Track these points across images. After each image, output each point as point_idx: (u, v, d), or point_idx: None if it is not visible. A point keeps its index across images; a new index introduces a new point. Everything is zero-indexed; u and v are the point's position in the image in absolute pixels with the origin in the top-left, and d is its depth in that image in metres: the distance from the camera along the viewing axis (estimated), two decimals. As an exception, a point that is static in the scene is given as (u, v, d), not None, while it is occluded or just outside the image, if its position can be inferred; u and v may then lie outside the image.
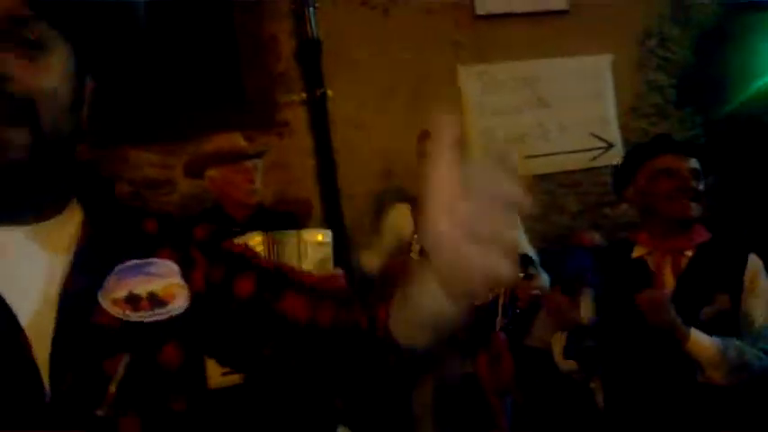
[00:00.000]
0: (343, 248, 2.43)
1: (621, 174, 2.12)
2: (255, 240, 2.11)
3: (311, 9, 3.27)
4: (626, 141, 3.64)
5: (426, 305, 0.66)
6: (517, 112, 3.53)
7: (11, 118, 0.66)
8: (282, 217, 2.54)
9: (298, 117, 3.32)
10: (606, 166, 3.43)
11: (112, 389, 0.67)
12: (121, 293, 0.72)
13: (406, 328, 0.72)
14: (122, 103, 3.07)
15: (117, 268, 0.74)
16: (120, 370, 0.68)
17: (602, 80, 3.65)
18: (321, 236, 2.27)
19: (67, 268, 0.72)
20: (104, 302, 0.71)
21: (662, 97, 3.86)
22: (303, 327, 0.79)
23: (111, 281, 0.73)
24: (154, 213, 0.84)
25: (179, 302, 0.75)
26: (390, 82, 3.43)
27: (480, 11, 3.52)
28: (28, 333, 0.67)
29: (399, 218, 2.69)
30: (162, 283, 0.75)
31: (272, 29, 3.34)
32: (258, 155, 2.50)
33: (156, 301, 0.73)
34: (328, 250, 2.26)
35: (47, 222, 0.74)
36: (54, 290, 0.70)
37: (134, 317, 0.71)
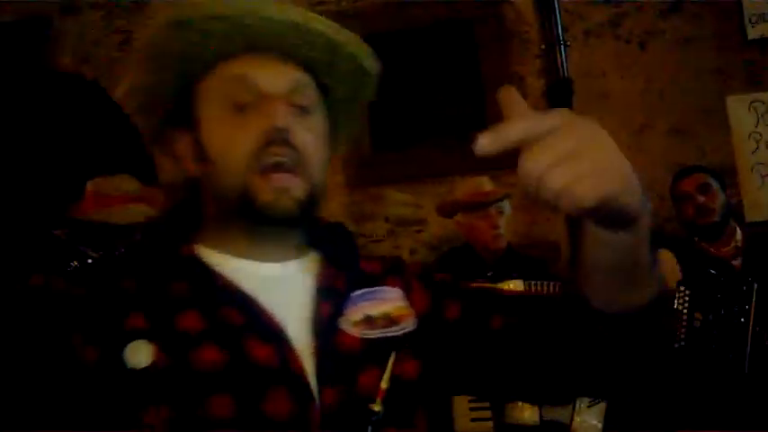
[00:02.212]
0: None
1: None
2: (514, 286, 2.11)
3: (562, 48, 3.25)
4: None
5: (595, 250, 0.68)
6: (800, 144, 3.12)
7: (293, 169, 0.78)
8: (532, 262, 2.52)
9: (546, 156, 3.29)
10: None
11: (384, 385, 0.76)
12: (359, 316, 0.81)
13: (593, 290, 0.72)
14: (379, 145, 3.32)
15: (352, 296, 0.83)
16: (390, 365, 0.77)
17: None
18: None
19: (314, 299, 0.81)
20: (345, 326, 0.80)
21: None
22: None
23: (348, 308, 0.82)
24: (373, 257, 0.95)
25: (408, 321, 0.83)
26: (646, 117, 3.25)
27: (753, 35, 3.19)
28: (300, 356, 0.76)
29: (665, 266, 2.50)
30: (391, 306, 0.84)
31: (519, 69, 3.38)
32: (501, 198, 2.51)
33: (389, 320, 0.82)
34: None
35: (298, 260, 0.85)
36: (307, 317, 0.80)
37: (371, 334, 0.80)
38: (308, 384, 0.74)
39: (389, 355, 0.78)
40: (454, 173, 3.04)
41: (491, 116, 3.33)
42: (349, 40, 0.84)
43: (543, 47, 3.31)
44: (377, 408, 0.75)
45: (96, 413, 0.69)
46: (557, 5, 3.29)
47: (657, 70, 3.26)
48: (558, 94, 3.25)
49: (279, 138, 0.77)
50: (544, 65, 3.31)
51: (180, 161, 0.84)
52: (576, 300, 0.76)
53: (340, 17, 3.46)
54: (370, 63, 0.87)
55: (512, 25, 3.39)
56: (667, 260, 2.49)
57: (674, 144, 3.21)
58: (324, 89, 0.86)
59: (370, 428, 0.74)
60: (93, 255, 2.53)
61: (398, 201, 3.30)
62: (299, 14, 0.80)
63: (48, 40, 3.70)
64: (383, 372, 0.77)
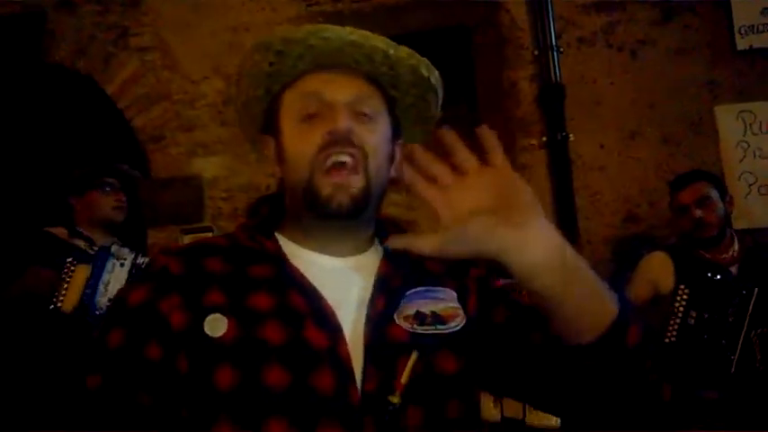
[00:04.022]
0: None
1: None
2: None
3: (555, 54, 3.28)
4: None
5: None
6: (787, 154, 3.16)
7: (354, 168, 0.88)
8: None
9: (537, 160, 3.32)
10: None
11: (403, 380, 0.83)
12: (411, 312, 0.90)
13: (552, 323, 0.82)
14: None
15: (408, 293, 0.92)
16: (410, 364, 0.84)
17: None
18: None
19: (371, 292, 0.91)
20: (398, 319, 0.89)
21: None
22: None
23: (403, 303, 0.91)
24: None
25: (456, 321, 0.91)
26: (636, 125, 3.29)
27: (742, 46, 3.24)
28: (348, 343, 0.86)
29: (657, 267, 2.53)
30: (442, 305, 0.92)
31: (512, 75, 3.41)
32: None
33: (437, 318, 0.90)
34: None
35: (360, 256, 0.95)
36: (363, 309, 0.89)
37: (419, 329, 0.88)
38: (350, 368, 0.84)
39: (432, 351, 0.87)
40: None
41: (485, 119, 3.36)
42: (408, 54, 0.94)
43: (536, 53, 3.34)
44: (395, 400, 0.82)
45: (175, 373, 0.83)
46: (551, 12, 3.32)
47: (648, 79, 3.30)
48: (550, 100, 3.28)
49: (341, 138, 0.87)
50: (537, 70, 3.34)
51: (271, 162, 0.98)
52: (548, 336, 0.84)
53: (336, 19, 3.49)
54: (432, 76, 0.96)
55: (506, 31, 3.42)
56: (662, 262, 2.52)
57: (663, 152, 3.25)
58: (392, 101, 0.97)
59: (386, 417, 0.82)
60: (88, 250, 2.54)
61: (390, 201, 3.30)
62: (356, 34, 0.91)
63: (43, 34, 3.69)
64: (423, 365, 0.85)
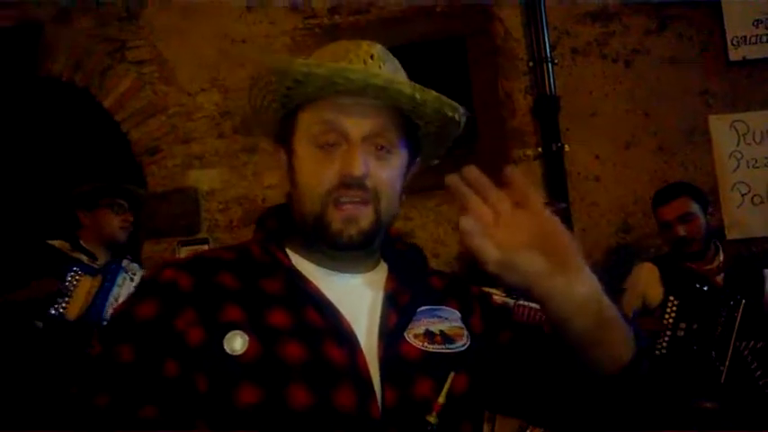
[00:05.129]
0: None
1: None
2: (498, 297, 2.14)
3: (550, 65, 3.31)
4: None
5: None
6: (780, 164, 3.18)
7: (365, 202, 0.89)
8: None
9: (532, 171, 3.33)
10: None
11: (441, 400, 0.84)
12: (420, 330, 0.91)
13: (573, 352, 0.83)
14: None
15: (417, 312, 0.93)
16: (447, 384, 0.85)
17: None
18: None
19: (381, 309, 0.92)
20: (408, 337, 0.90)
21: None
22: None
23: (412, 321, 0.92)
24: (437, 272, 1.06)
25: (462, 341, 0.93)
26: (631, 135, 3.31)
27: (734, 57, 3.27)
28: (367, 359, 0.86)
29: (645, 278, 2.54)
30: (448, 325, 0.93)
31: (507, 86, 3.43)
32: None
33: (446, 337, 0.91)
34: None
35: (370, 273, 0.97)
36: (375, 324, 0.90)
37: (430, 348, 0.89)
38: (371, 384, 0.84)
39: (443, 370, 0.87)
40: (443, 186, 3.07)
41: (481, 130, 3.38)
42: (433, 98, 0.91)
43: (531, 64, 3.36)
44: (432, 420, 0.82)
45: (192, 390, 0.81)
46: (545, 23, 3.35)
47: (643, 89, 3.32)
48: (545, 111, 3.30)
49: (355, 183, 0.88)
50: (532, 81, 3.37)
51: (282, 171, 0.98)
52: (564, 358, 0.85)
53: (333, 32, 3.50)
54: (456, 114, 0.94)
55: (500, 41, 3.45)
56: (650, 273, 2.54)
57: (659, 161, 3.27)
58: (413, 126, 0.96)
59: None
60: (91, 264, 2.55)
61: (387, 213, 3.32)
62: (381, 78, 0.88)
63: (39, 47, 3.70)
64: (436, 383, 0.86)
